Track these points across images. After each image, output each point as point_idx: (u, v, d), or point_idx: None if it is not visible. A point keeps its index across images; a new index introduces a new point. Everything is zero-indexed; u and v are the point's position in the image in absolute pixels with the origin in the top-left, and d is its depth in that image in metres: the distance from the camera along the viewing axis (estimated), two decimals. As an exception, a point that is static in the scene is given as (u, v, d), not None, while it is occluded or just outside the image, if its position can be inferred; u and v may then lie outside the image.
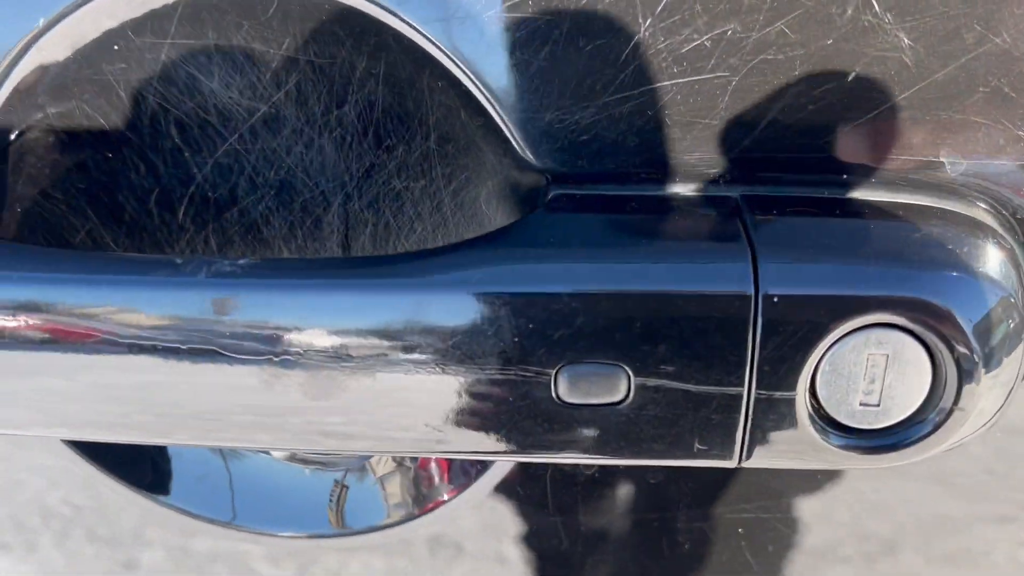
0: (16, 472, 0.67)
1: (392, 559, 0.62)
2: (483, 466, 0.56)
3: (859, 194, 0.46)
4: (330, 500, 0.57)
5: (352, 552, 0.63)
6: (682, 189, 0.46)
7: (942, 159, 0.45)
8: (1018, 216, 0.46)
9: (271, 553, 0.63)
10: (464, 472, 0.57)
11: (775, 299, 0.40)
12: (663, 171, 0.46)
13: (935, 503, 0.59)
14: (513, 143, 0.46)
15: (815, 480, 0.59)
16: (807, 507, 0.59)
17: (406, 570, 0.63)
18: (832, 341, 0.41)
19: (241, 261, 0.42)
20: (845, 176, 0.45)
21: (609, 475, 0.58)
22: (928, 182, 0.45)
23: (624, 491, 0.59)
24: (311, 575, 0.65)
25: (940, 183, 0.45)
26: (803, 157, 0.45)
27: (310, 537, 0.59)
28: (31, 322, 0.43)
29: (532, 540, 0.62)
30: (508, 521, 0.61)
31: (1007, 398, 0.44)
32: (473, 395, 0.42)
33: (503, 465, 0.57)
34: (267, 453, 0.59)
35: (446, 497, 0.58)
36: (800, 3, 0.42)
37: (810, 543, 0.61)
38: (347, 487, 0.57)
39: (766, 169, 0.45)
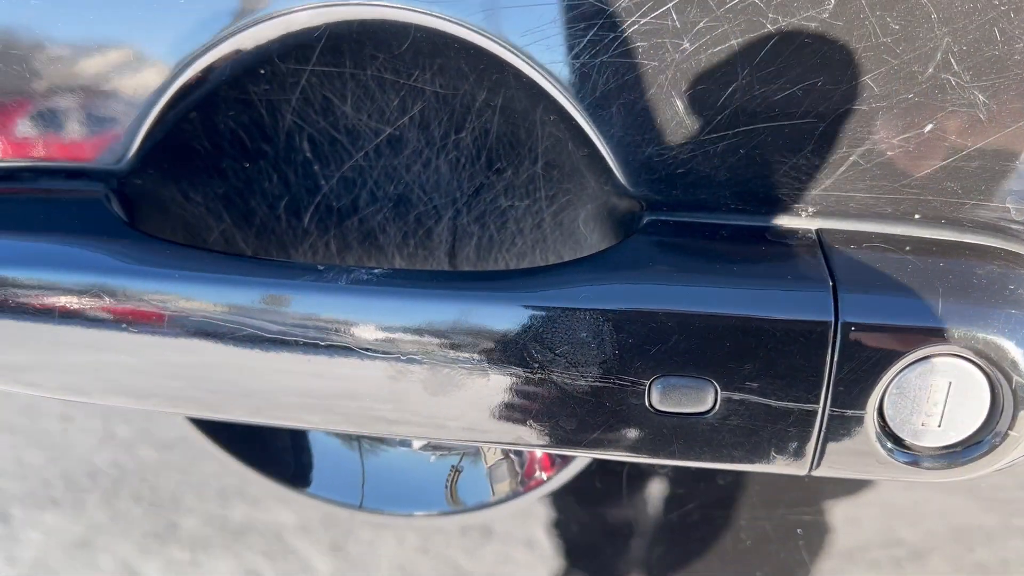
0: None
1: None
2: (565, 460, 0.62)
3: (930, 233, 0.50)
4: (446, 483, 0.63)
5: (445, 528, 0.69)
6: (767, 221, 0.51)
7: (1008, 205, 0.49)
8: (1075, 259, 0.50)
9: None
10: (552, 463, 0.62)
11: (852, 327, 0.45)
12: (750, 203, 0.51)
13: (970, 515, 0.64)
14: (615, 172, 0.51)
15: (855, 488, 0.64)
16: (843, 512, 0.64)
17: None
18: (901, 368, 0.45)
19: (376, 270, 0.48)
20: (917, 216, 0.50)
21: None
22: (995, 225, 0.50)
23: (660, 487, 0.64)
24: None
25: (1006, 226, 0.50)
26: (879, 198, 0.50)
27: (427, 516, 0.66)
28: (182, 313, 0.49)
29: (599, 531, 0.67)
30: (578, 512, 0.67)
31: None
32: (576, 399, 0.48)
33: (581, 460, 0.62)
34: (406, 445, 0.65)
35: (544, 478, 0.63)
36: (886, 61, 0.47)
37: (844, 546, 0.66)
38: (461, 470, 0.63)
39: (846, 205, 0.50)
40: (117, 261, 0.51)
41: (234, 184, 0.57)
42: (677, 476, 0.63)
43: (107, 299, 0.50)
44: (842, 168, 0.49)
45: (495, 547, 0.70)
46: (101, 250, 0.51)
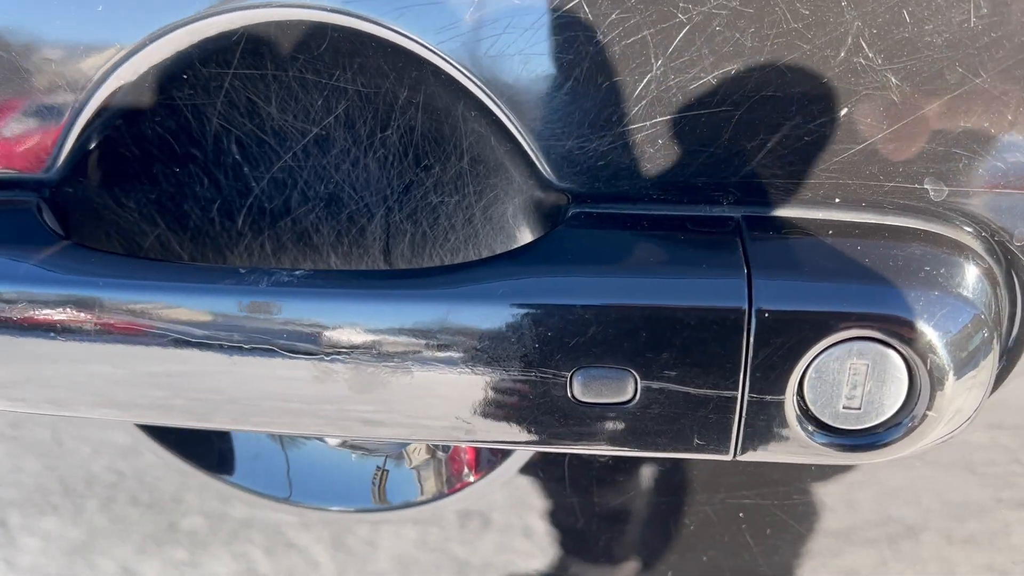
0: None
1: (424, 529, 0.69)
2: (503, 455, 0.62)
3: (851, 216, 0.50)
4: (372, 483, 0.64)
5: (386, 524, 0.69)
6: (690, 210, 0.51)
7: (926, 186, 0.49)
8: (997, 238, 0.50)
9: (313, 523, 0.70)
10: (487, 460, 0.63)
11: (766, 313, 0.45)
12: (673, 193, 0.51)
13: (961, 489, 0.64)
14: (538, 166, 0.51)
15: (842, 468, 0.64)
16: (832, 493, 0.65)
17: (436, 539, 0.69)
18: (818, 352, 0.46)
19: (297, 272, 0.48)
20: (837, 200, 0.50)
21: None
22: (915, 206, 0.50)
23: (647, 473, 0.65)
24: (349, 544, 0.72)
25: (927, 207, 0.50)
26: (799, 183, 0.50)
27: (355, 511, 0.66)
28: (112, 321, 0.49)
29: (550, 518, 0.68)
30: (533, 498, 0.67)
31: (980, 402, 0.49)
32: (498, 393, 0.48)
33: (521, 454, 0.63)
34: (321, 440, 0.65)
35: (471, 479, 0.64)
36: (798, 46, 0.47)
37: (835, 527, 0.66)
38: (387, 471, 0.64)
39: (765, 192, 0.50)
40: (43, 270, 0.51)
41: (166, 189, 0.58)
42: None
43: (35, 310, 0.50)
44: (760, 155, 0.49)
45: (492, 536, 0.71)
46: (27, 260, 0.52)
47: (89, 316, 0.49)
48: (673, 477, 0.66)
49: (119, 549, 0.82)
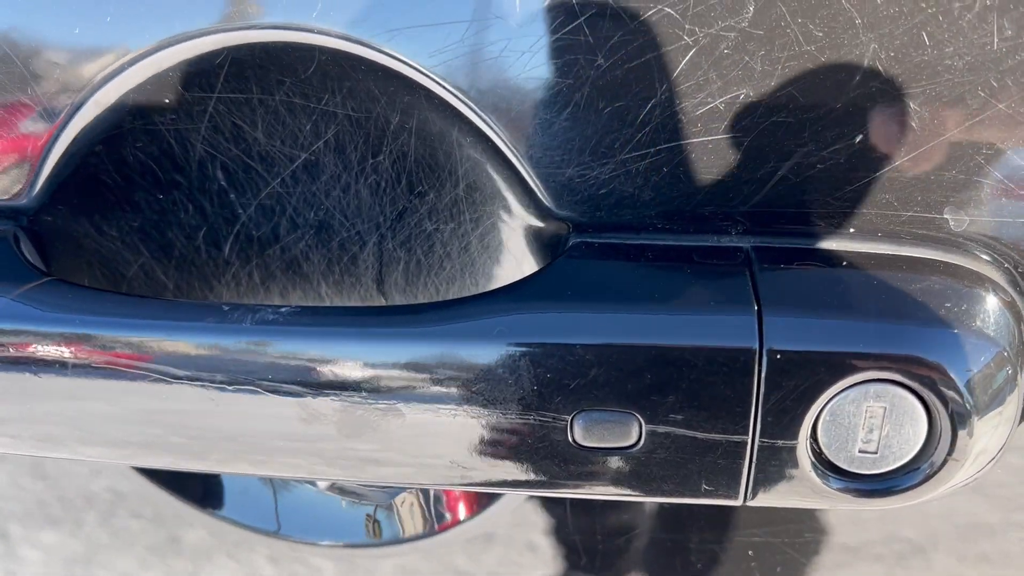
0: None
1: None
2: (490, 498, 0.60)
3: (866, 247, 0.48)
4: (365, 527, 0.61)
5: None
6: (697, 240, 0.49)
7: (946, 215, 0.47)
8: (1020, 269, 0.48)
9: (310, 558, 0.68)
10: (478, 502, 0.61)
11: (778, 354, 0.43)
12: (679, 222, 0.48)
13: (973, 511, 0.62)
14: (537, 194, 0.48)
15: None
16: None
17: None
18: (833, 394, 0.43)
19: (283, 309, 0.46)
20: (852, 230, 0.47)
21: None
22: (934, 236, 0.47)
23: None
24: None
25: (947, 238, 0.47)
26: (812, 212, 0.47)
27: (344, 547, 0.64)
28: (92, 360, 0.47)
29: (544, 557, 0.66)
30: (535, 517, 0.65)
31: (1005, 442, 0.46)
32: (496, 436, 0.45)
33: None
34: (312, 484, 0.63)
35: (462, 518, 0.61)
36: (811, 70, 0.44)
37: (845, 543, 0.64)
38: (378, 521, 0.61)
39: (776, 222, 0.48)
40: (25, 308, 0.49)
41: (149, 216, 0.55)
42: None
43: (13, 349, 0.48)
44: (770, 183, 0.47)
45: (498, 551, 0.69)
46: (10, 296, 0.49)
47: (68, 355, 0.47)
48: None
49: (120, 561, 0.81)
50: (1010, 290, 0.48)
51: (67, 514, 0.78)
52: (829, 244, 0.48)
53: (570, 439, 0.45)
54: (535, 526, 0.65)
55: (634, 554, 0.67)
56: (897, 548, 0.65)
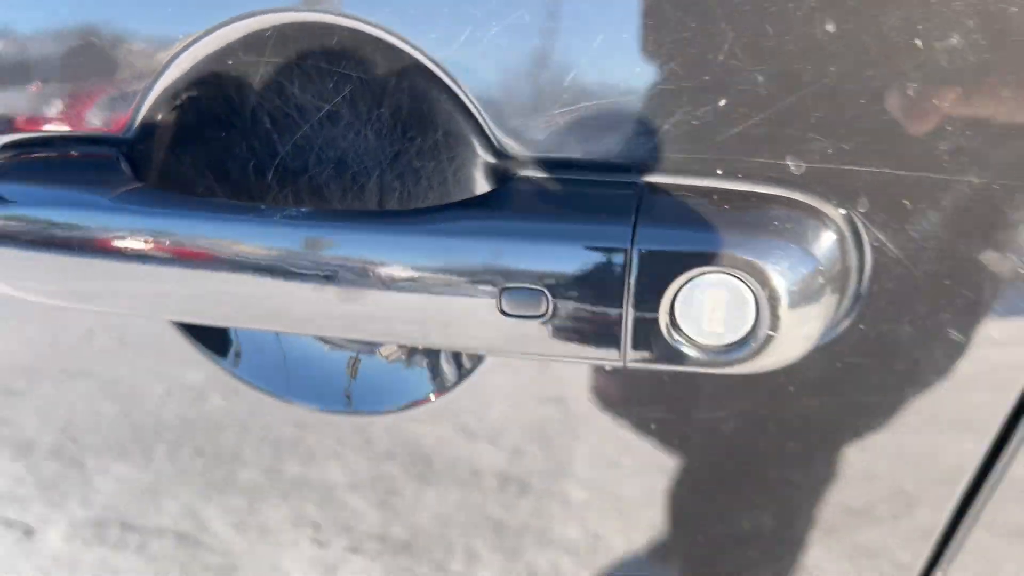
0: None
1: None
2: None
3: (729, 185, 0.64)
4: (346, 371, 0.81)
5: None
6: (608, 176, 0.66)
7: (787, 161, 0.63)
8: (845, 207, 0.64)
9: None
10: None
11: (644, 252, 0.60)
12: (594, 164, 0.66)
13: None
14: (493, 140, 0.66)
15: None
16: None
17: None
18: (683, 281, 0.60)
19: (303, 210, 0.65)
20: (719, 172, 0.64)
21: None
22: (778, 178, 0.64)
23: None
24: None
25: (788, 178, 0.64)
26: (689, 157, 0.64)
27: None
28: (169, 243, 0.66)
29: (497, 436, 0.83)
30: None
31: (819, 329, 0.63)
32: (448, 305, 0.64)
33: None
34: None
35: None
36: (687, 51, 0.62)
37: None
38: (360, 359, 0.81)
39: (664, 165, 0.65)
40: (123, 203, 0.69)
41: (213, 150, 0.75)
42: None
43: (116, 234, 0.68)
44: (659, 134, 0.64)
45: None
46: (113, 196, 0.69)
47: (152, 239, 0.67)
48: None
49: (184, 492, 0.96)
50: (842, 226, 0.64)
51: (137, 446, 0.93)
52: (703, 182, 0.65)
53: (499, 308, 0.63)
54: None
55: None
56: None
